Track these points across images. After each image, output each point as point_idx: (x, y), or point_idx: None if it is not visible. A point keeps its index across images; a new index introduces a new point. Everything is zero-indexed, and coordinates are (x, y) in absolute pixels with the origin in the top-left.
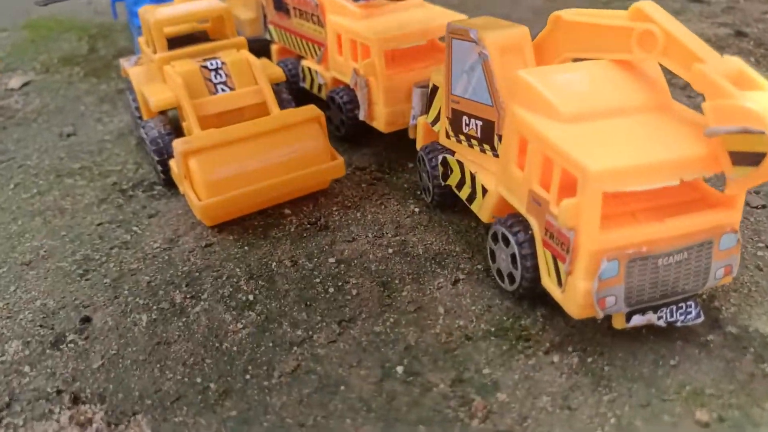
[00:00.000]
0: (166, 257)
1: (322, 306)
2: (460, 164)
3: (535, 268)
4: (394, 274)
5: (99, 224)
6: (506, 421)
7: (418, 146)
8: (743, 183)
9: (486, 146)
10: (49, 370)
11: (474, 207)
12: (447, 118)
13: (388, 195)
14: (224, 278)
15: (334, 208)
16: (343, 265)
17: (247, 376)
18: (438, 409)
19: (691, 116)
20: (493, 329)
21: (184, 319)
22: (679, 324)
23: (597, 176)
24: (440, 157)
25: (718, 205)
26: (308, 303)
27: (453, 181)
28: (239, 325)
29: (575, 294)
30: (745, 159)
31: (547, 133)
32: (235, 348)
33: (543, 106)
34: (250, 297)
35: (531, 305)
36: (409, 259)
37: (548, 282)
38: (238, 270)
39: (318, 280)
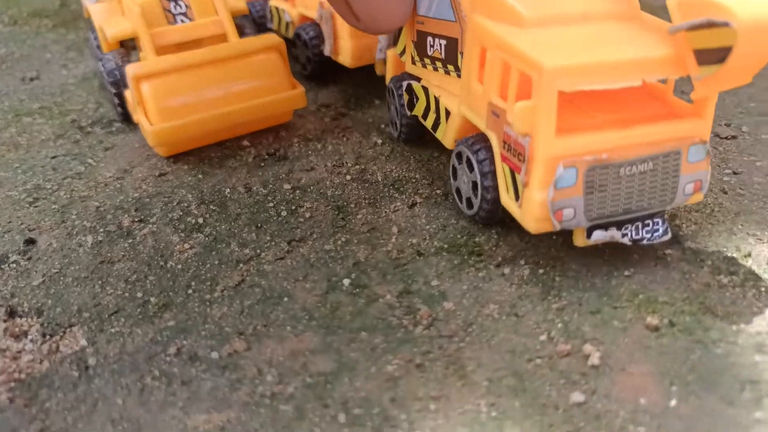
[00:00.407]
0: (118, 185)
1: (273, 228)
2: (425, 90)
3: (495, 188)
4: (350, 199)
5: (53, 157)
6: (450, 327)
7: (388, 79)
8: (711, 84)
9: (450, 67)
10: None
11: (438, 134)
12: (412, 41)
13: (352, 128)
14: (175, 203)
15: (295, 140)
16: (298, 191)
17: (189, 291)
18: (382, 318)
19: (659, 25)
20: (446, 246)
21: (130, 241)
22: (645, 242)
23: (552, 73)
24: (405, 84)
25: (686, 115)
26: (259, 225)
27: (419, 110)
28: (186, 246)
29: (531, 205)
30: (711, 56)
31: (505, 38)
32: (179, 266)
33: (505, 13)
34: (200, 220)
35: (487, 225)
36: (367, 185)
37: (506, 199)
38: (189, 196)
39: (271, 204)
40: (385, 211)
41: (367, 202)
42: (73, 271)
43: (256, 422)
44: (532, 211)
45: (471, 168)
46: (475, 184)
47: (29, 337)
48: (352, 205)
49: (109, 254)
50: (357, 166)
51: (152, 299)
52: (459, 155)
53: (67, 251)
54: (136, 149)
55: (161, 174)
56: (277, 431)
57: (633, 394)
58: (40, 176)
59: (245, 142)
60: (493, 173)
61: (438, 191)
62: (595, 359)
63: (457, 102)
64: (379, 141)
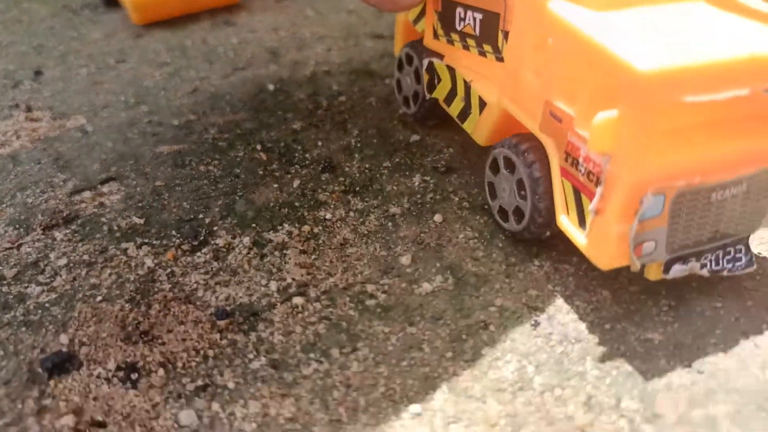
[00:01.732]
0: (105, 42)
1: (220, 63)
2: (451, 71)
3: (549, 198)
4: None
5: (51, 28)
6: (342, 111)
7: (397, 50)
8: None
9: (486, 47)
10: (9, 97)
11: (467, 126)
12: (435, 11)
13: None
14: (149, 51)
15: (244, 13)
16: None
17: (160, 95)
18: (295, 105)
19: (756, 5)
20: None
21: (115, 72)
22: (725, 273)
23: (648, 79)
24: (426, 62)
25: None
26: (211, 62)
27: (440, 92)
28: (156, 74)
29: (606, 239)
30: None
31: (578, 25)
32: (152, 84)
33: None
34: (167, 59)
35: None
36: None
37: (566, 223)
38: (160, 46)
39: (221, 50)
40: None
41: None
42: (73, 89)
43: (202, 149)
44: (606, 246)
45: (512, 169)
46: (521, 184)
47: (43, 120)
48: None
49: (99, 79)
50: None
51: (132, 99)
52: (494, 163)
53: (67, 78)
54: (118, 23)
55: (138, 35)
56: (216, 154)
57: None
58: (42, 38)
59: (204, 14)
60: (546, 181)
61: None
62: None
63: (496, 91)
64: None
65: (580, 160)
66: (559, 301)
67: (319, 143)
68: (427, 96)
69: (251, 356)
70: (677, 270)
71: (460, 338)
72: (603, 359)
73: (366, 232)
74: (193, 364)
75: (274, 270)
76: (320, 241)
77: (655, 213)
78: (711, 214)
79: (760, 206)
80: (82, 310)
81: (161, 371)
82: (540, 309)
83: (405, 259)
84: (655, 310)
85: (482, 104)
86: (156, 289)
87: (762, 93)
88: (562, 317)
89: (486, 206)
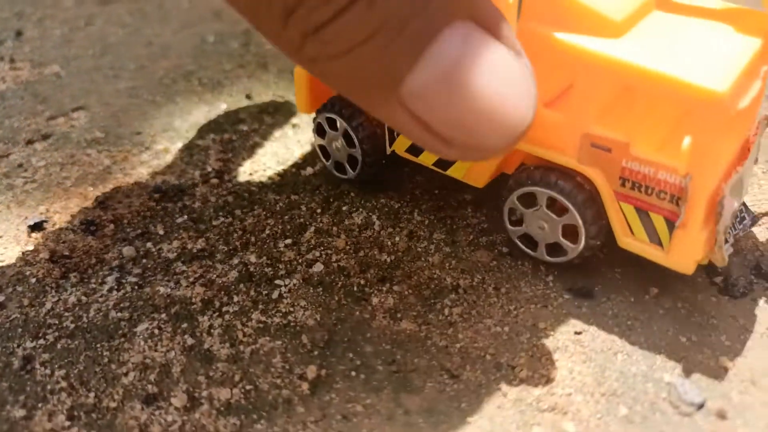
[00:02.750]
0: (77, 8)
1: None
2: None
3: (600, 228)
4: None
5: None
6: None
7: (305, 110)
8: None
9: None
10: None
11: (454, 172)
12: None
13: None
14: (113, 14)
15: None
16: None
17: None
18: None
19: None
20: None
21: (84, 33)
22: (741, 234)
23: (727, 98)
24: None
25: None
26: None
27: (401, 145)
28: (120, 32)
29: (693, 246)
30: None
31: (614, 54)
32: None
33: (581, 20)
34: (129, 22)
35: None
36: None
37: (631, 242)
38: (122, 10)
39: (174, 13)
40: None
41: None
42: (49, 45)
43: (151, 84)
44: (693, 253)
45: (531, 203)
46: (563, 228)
47: (25, 69)
48: None
49: (71, 38)
50: None
51: (98, 52)
52: (523, 197)
53: (44, 37)
54: None
55: (105, 3)
56: (162, 88)
57: None
58: (21, 6)
59: None
60: (597, 216)
61: None
62: None
63: None
64: None
65: (644, 183)
66: None
67: (245, 80)
68: (388, 151)
69: (177, 215)
70: (728, 249)
71: (329, 201)
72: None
73: (271, 137)
74: (135, 221)
75: (200, 164)
76: (236, 145)
77: (729, 212)
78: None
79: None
80: (56, 191)
81: (112, 226)
82: None
83: (307, 171)
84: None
85: None
86: (111, 178)
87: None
88: None
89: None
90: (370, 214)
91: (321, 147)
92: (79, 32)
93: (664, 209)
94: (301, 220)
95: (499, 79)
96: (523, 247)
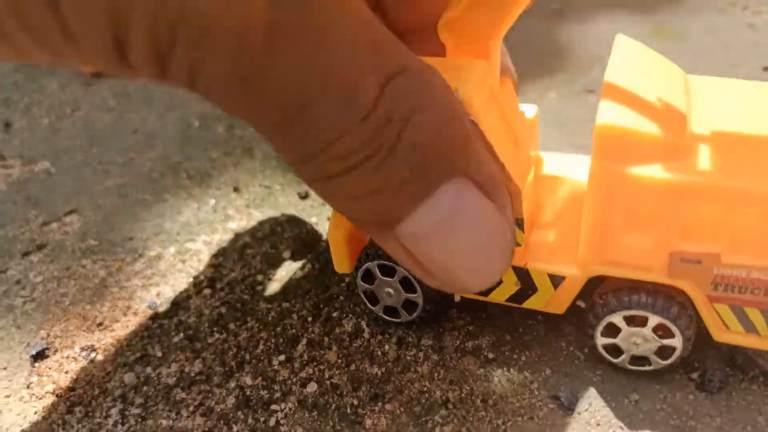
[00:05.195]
0: (62, 92)
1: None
2: None
3: (692, 335)
4: None
5: (15, 83)
6: None
7: (346, 268)
8: None
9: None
10: None
11: (533, 303)
12: None
13: None
14: (98, 97)
15: None
16: None
17: None
18: None
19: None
20: None
21: (71, 120)
22: None
23: None
24: None
25: None
26: None
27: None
28: (106, 118)
29: None
30: None
31: (687, 180)
32: None
33: (651, 149)
34: (114, 105)
35: None
36: None
37: (728, 335)
38: (106, 92)
39: (158, 94)
40: None
41: None
42: (38, 137)
43: (139, 181)
44: None
45: (631, 322)
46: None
47: (15, 167)
48: None
49: (59, 127)
50: None
51: (86, 143)
52: (610, 325)
53: (32, 128)
54: (72, 72)
55: (88, 84)
56: (150, 185)
57: None
58: (8, 92)
59: None
60: (691, 323)
61: None
62: None
63: (568, 264)
64: None
65: (736, 284)
66: None
67: (232, 168)
68: (457, 298)
69: (173, 333)
70: None
71: (319, 307)
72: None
73: (260, 236)
74: (134, 342)
75: (192, 271)
76: (226, 248)
77: None
78: None
79: None
80: (55, 312)
81: (112, 349)
82: None
83: (296, 275)
84: None
85: (556, 279)
86: (108, 293)
87: None
88: None
89: None
90: (360, 320)
91: (367, 293)
92: (66, 120)
93: (760, 303)
94: (294, 330)
95: (482, 234)
96: (605, 355)
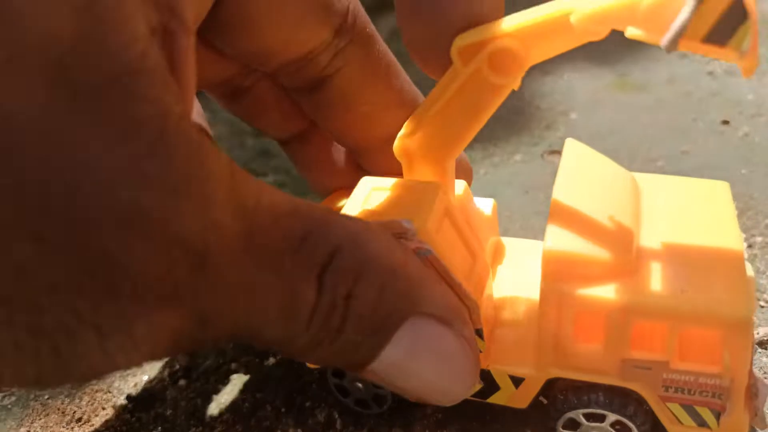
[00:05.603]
0: None
1: None
2: None
3: (648, 429)
4: None
5: None
6: None
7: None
8: None
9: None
10: None
11: (497, 399)
12: None
13: None
14: None
15: None
16: None
17: None
18: None
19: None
20: None
21: None
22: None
23: (747, 321)
24: None
25: None
26: None
27: None
28: None
29: (740, 422)
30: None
31: (633, 301)
32: None
33: (596, 270)
34: None
35: None
36: None
37: (682, 429)
38: None
39: None
40: None
41: None
42: None
43: None
44: (743, 425)
45: (599, 419)
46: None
47: None
48: None
49: None
50: None
51: None
52: (571, 422)
53: None
54: None
55: None
56: None
57: None
58: None
59: None
60: (647, 418)
61: None
62: None
63: (528, 365)
64: None
65: (686, 387)
66: None
67: None
68: None
69: (151, 427)
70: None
71: (292, 396)
72: None
73: None
74: None
75: (168, 359)
76: None
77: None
78: None
79: None
80: (34, 407)
81: None
82: None
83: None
84: None
85: (516, 380)
86: (87, 387)
87: None
88: None
89: None
90: (332, 410)
91: (338, 386)
92: None
93: (708, 402)
94: (267, 423)
95: (444, 360)
96: None
